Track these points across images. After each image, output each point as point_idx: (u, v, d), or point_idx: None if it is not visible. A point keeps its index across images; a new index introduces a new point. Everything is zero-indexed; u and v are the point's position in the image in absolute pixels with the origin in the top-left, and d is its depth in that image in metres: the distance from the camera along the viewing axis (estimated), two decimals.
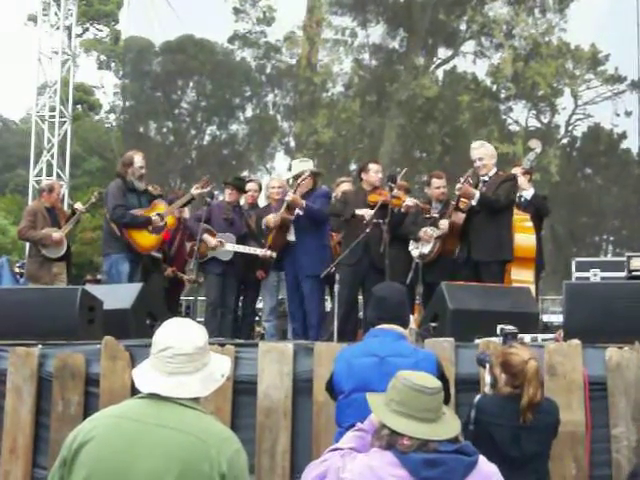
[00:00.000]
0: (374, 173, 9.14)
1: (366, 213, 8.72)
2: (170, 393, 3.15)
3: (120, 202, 9.22)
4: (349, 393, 4.64)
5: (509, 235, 8.54)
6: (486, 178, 8.61)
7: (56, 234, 9.99)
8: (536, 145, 9.58)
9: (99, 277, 13.67)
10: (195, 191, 9.68)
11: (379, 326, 4.86)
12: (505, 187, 8.46)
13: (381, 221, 8.54)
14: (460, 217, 8.54)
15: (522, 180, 9.15)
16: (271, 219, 9.21)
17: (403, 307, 5.03)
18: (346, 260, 8.62)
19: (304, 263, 8.97)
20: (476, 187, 8.56)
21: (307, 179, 9.16)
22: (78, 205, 10.45)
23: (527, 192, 9.26)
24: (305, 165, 9.41)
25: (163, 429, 3.07)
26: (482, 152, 8.70)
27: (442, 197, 9.30)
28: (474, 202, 8.34)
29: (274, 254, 9.27)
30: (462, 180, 8.43)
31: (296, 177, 9.15)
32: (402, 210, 8.79)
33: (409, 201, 8.86)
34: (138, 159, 9.44)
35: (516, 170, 9.50)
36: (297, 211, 9.00)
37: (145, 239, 9.29)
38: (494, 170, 8.67)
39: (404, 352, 4.68)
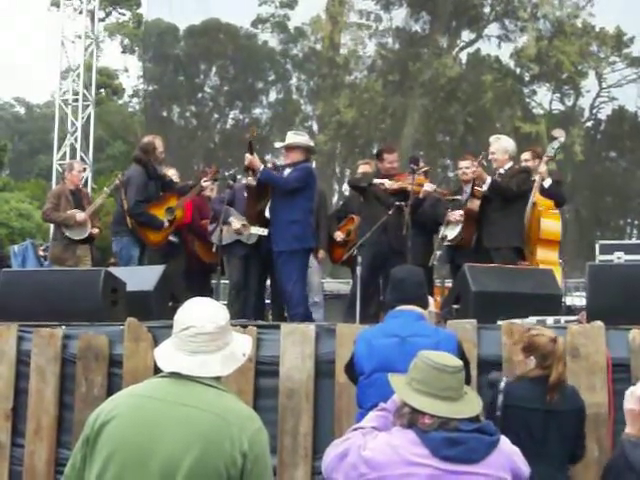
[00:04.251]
0: (389, 164, 9.17)
1: (386, 182, 8.77)
2: (192, 372, 3.16)
3: (141, 197, 9.32)
4: (370, 374, 4.64)
5: (520, 224, 8.62)
6: (502, 171, 8.74)
7: (80, 215, 10.02)
8: (560, 134, 9.55)
9: None
10: (205, 183, 9.78)
11: (399, 307, 4.86)
12: (519, 178, 8.61)
13: (403, 203, 8.57)
14: (476, 204, 8.61)
15: (543, 168, 9.15)
16: None
17: (422, 288, 5.04)
18: (365, 242, 8.65)
19: (275, 239, 8.72)
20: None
21: (295, 150, 9.04)
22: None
23: (545, 181, 9.26)
24: (299, 138, 9.27)
25: (185, 408, 3.08)
26: (495, 147, 8.84)
27: (468, 179, 9.30)
28: (485, 187, 8.43)
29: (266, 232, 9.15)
30: (476, 164, 8.49)
31: (287, 148, 9.04)
32: (420, 196, 8.81)
33: (428, 187, 8.89)
34: (159, 144, 9.56)
35: (526, 155, 9.56)
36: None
37: (154, 235, 9.42)
38: (510, 164, 8.79)
39: (425, 332, 4.69)
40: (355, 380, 4.89)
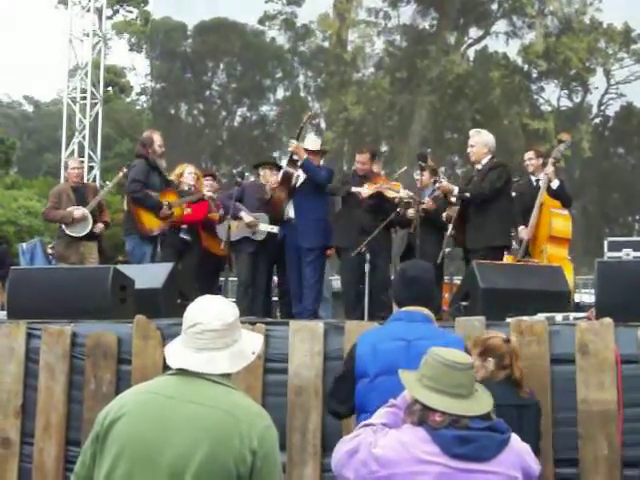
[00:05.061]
0: (359, 164, 9.27)
1: (362, 191, 8.87)
2: (199, 369, 3.17)
3: (140, 178, 9.39)
4: (374, 377, 4.47)
5: (503, 221, 8.65)
6: (479, 166, 8.80)
7: (77, 212, 10.01)
8: (567, 138, 9.62)
9: None
10: (207, 194, 9.84)
11: (405, 308, 4.70)
12: (491, 176, 8.59)
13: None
14: (454, 210, 8.73)
15: (551, 170, 9.16)
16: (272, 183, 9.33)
17: (432, 287, 4.88)
18: (339, 243, 9.01)
19: (305, 236, 9.06)
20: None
21: (318, 154, 9.36)
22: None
23: (553, 183, 9.27)
24: (319, 143, 9.56)
25: (193, 405, 3.09)
26: (475, 140, 8.91)
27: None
28: (454, 198, 8.58)
29: (275, 229, 9.44)
30: (438, 179, 8.80)
31: (313, 151, 9.27)
32: (396, 201, 8.96)
33: (402, 193, 8.98)
34: (157, 137, 9.63)
35: (530, 154, 9.66)
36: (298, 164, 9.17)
37: (150, 221, 9.41)
38: (487, 158, 8.79)
39: (432, 335, 4.50)
40: (343, 399, 4.66)
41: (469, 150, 8.92)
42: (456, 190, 8.52)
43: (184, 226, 9.84)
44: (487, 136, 8.96)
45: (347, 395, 4.58)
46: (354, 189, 9.01)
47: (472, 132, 9.13)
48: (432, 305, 4.81)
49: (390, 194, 8.94)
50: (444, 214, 9.04)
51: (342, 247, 8.99)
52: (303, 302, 9.06)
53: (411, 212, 8.92)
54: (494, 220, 8.52)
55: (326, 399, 4.90)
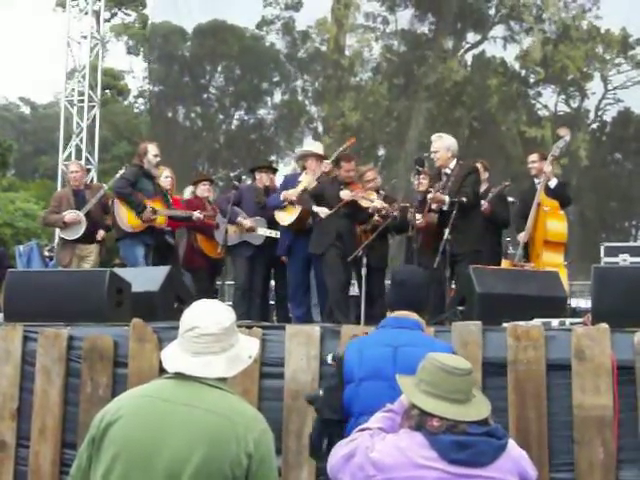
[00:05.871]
0: (345, 172, 9.28)
1: (321, 212, 8.92)
2: (196, 373, 3.17)
3: (129, 177, 9.56)
4: (360, 382, 4.43)
5: (483, 224, 8.77)
6: (448, 171, 8.75)
7: (69, 215, 10.04)
8: (565, 133, 9.54)
9: None
10: (197, 215, 9.83)
11: (395, 313, 4.68)
12: (470, 181, 8.60)
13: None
14: (433, 217, 8.70)
15: (548, 169, 9.15)
16: (291, 192, 9.31)
17: (421, 291, 4.81)
18: (317, 250, 8.99)
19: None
20: (439, 177, 8.85)
21: (319, 158, 9.53)
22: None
23: (551, 182, 9.25)
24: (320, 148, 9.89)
25: (189, 408, 3.09)
26: (437, 145, 8.84)
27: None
28: (445, 207, 8.47)
29: (277, 233, 9.54)
30: (433, 191, 8.61)
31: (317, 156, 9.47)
32: (369, 211, 9.08)
33: (377, 203, 9.02)
34: (152, 148, 9.71)
35: (534, 157, 9.55)
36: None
37: (131, 219, 9.48)
38: (454, 162, 8.77)
39: (420, 342, 4.45)
40: (335, 407, 4.54)
41: (432, 156, 8.87)
42: (447, 199, 8.49)
43: (168, 228, 9.84)
44: (448, 140, 8.89)
45: (339, 402, 4.53)
46: (315, 209, 9.03)
47: (434, 137, 9.06)
48: (423, 310, 4.77)
49: (364, 203, 9.00)
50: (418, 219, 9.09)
51: (319, 253, 8.97)
52: (322, 308, 9.13)
53: (410, 217, 8.91)
54: (477, 224, 8.56)
55: (318, 408, 4.84)
